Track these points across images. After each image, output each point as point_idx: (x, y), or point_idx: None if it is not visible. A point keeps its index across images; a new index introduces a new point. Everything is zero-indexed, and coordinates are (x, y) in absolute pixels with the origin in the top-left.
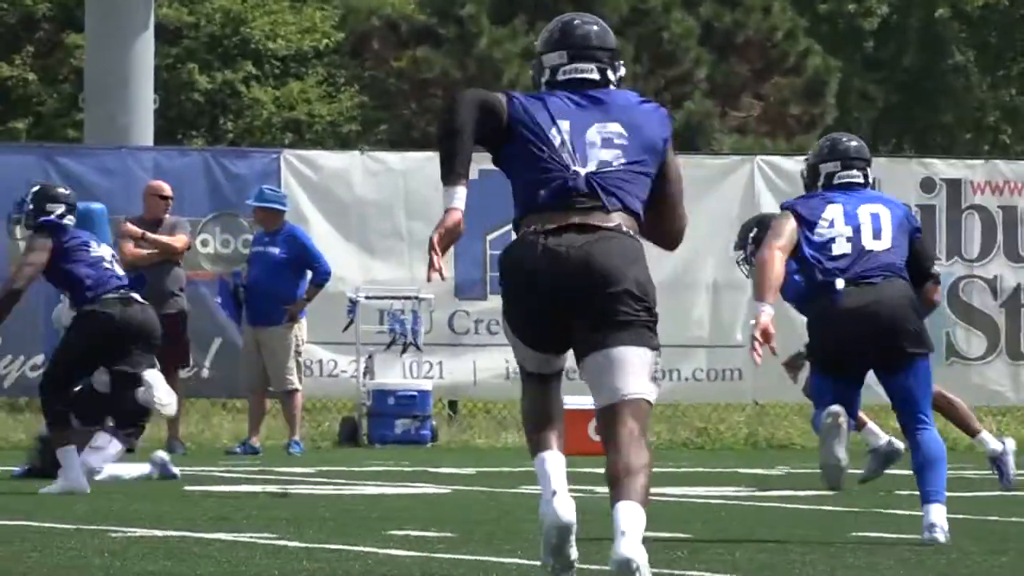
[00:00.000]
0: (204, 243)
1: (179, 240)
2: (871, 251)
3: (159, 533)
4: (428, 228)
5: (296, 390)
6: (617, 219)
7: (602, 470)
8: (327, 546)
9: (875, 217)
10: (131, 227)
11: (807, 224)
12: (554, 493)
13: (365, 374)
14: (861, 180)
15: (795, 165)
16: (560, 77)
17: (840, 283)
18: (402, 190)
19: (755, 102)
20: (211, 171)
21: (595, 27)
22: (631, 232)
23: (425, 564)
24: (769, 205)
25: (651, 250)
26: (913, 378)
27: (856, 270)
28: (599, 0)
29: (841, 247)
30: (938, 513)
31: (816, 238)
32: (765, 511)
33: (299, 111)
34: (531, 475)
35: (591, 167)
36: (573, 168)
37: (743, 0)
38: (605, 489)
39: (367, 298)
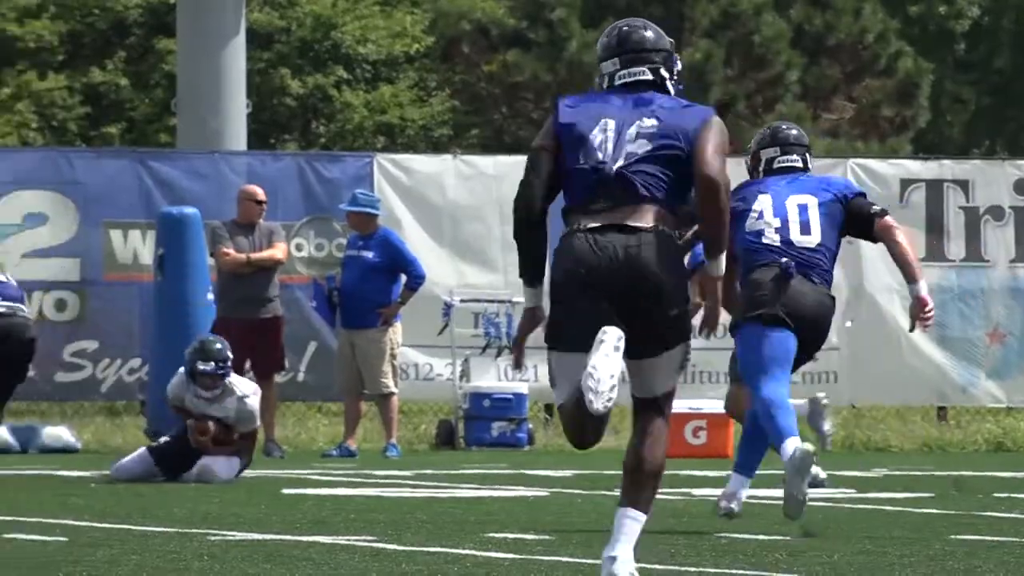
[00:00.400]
0: (298, 247)
1: (280, 250)
2: (799, 246)
3: (258, 536)
4: None
5: (392, 393)
6: (651, 216)
7: (699, 472)
8: (425, 549)
9: (803, 209)
10: (234, 254)
11: (738, 215)
12: None
13: (461, 377)
14: (800, 164)
15: (888, 168)
16: (617, 82)
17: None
18: (494, 194)
19: (847, 105)
20: (304, 175)
21: (646, 32)
22: (666, 229)
23: (523, 566)
24: None
25: None
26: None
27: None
28: (690, 4)
29: (770, 237)
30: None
31: (747, 231)
32: (863, 514)
33: (391, 115)
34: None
35: (621, 162)
36: (607, 164)
37: (834, 3)
38: (702, 492)
39: (462, 301)
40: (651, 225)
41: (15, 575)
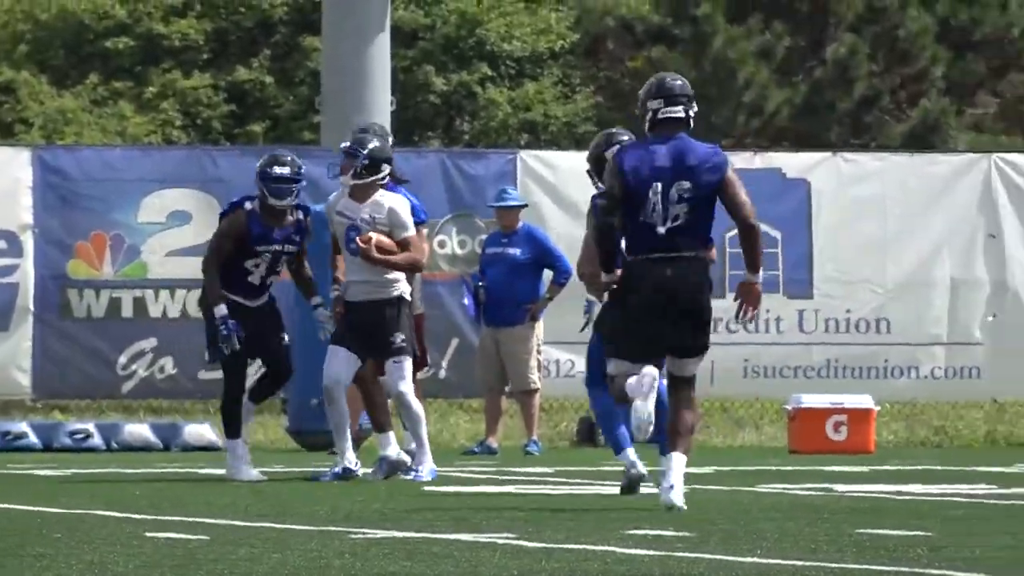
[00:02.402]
0: (441, 244)
1: (422, 251)
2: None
3: (399, 534)
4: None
5: (536, 389)
6: (691, 251)
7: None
8: (566, 546)
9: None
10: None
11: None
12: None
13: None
14: (682, 115)
15: None
16: (660, 117)
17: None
18: None
19: (992, 99)
20: (448, 172)
21: (679, 81)
22: (703, 256)
23: (664, 563)
24: (1007, 203)
25: (889, 250)
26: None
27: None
28: None
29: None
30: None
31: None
32: (1005, 509)
33: (535, 112)
34: (768, 473)
35: (669, 223)
36: (659, 227)
37: None
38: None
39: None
40: (692, 254)
41: (157, 573)
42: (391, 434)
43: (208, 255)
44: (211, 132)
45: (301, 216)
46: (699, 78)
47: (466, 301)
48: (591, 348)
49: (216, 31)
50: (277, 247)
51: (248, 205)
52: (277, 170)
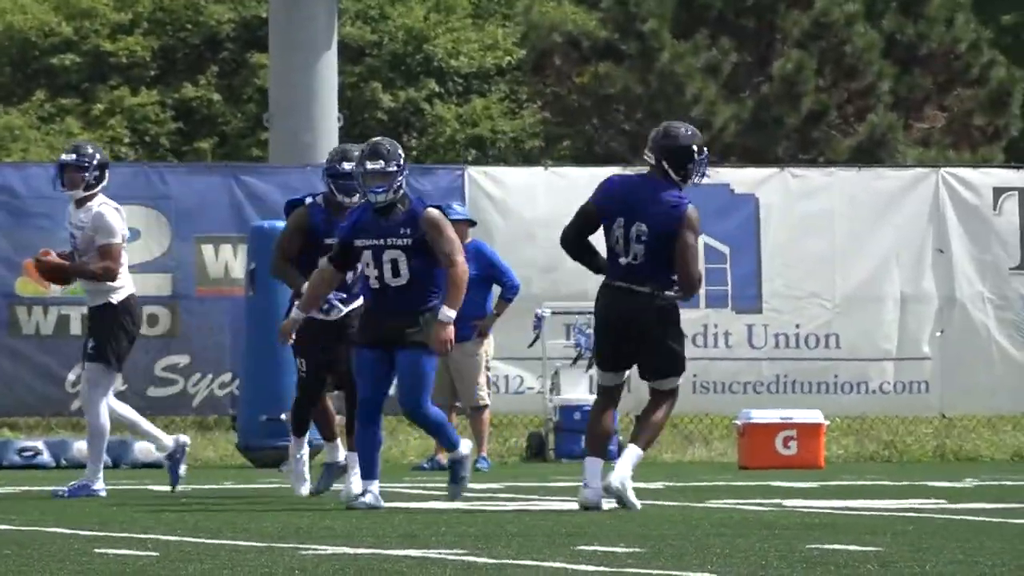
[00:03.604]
0: None
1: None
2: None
3: (349, 551)
4: None
5: (486, 406)
6: (650, 287)
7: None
8: (516, 562)
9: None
10: None
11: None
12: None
13: (551, 389)
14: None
15: (980, 177)
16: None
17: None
18: None
19: (938, 114)
20: None
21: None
22: (659, 293)
23: None
24: (954, 218)
25: (838, 265)
26: None
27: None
28: (781, 14)
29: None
30: None
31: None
32: (954, 524)
33: (482, 128)
34: (718, 489)
35: (629, 258)
36: (621, 258)
37: (926, 12)
38: (793, 502)
39: (553, 313)
40: (649, 290)
41: None
42: (338, 441)
43: (272, 259)
44: (159, 149)
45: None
46: (646, 94)
47: None
48: None
49: (163, 48)
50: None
51: (309, 200)
52: (346, 166)
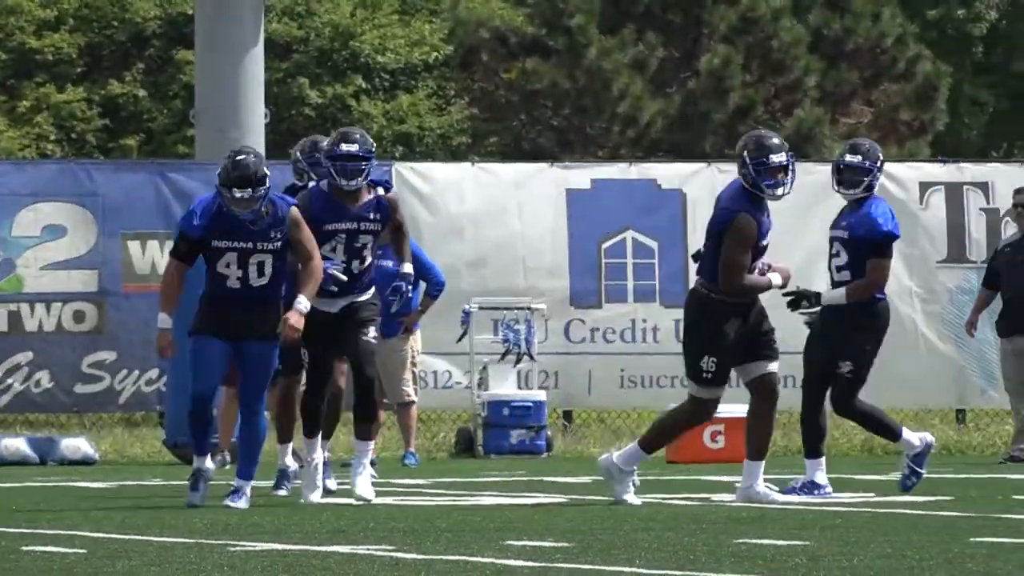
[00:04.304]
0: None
1: None
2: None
3: (277, 547)
4: (540, 238)
5: (412, 402)
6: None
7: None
8: (444, 557)
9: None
10: None
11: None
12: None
13: (480, 385)
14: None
15: (908, 171)
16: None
17: None
18: (513, 201)
19: (865, 109)
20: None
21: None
22: (700, 288)
23: (543, 574)
24: None
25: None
26: None
27: None
28: (708, 9)
29: None
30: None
31: None
32: (882, 518)
33: (409, 124)
34: (646, 483)
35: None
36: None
37: (852, 7)
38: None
39: (480, 309)
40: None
41: None
42: (290, 445)
43: None
44: (85, 146)
45: (381, 193)
46: (573, 90)
47: None
48: None
49: (89, 45)
50: (350, 225)
51: (312, 184)
52: (345, 147)
